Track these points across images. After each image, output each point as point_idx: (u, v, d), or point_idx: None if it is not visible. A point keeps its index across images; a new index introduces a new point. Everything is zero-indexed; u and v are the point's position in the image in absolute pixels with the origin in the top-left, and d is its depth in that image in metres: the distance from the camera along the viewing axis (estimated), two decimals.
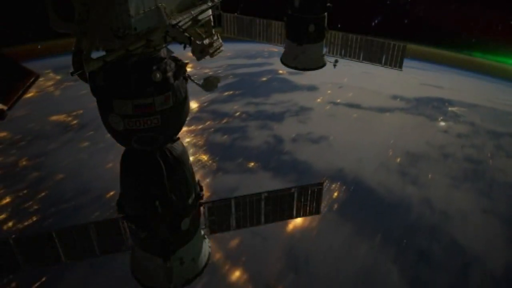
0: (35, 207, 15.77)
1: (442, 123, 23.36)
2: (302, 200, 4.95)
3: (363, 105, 25.06)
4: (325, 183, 5.10)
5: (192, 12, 3.16)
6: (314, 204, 5.03)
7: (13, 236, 4.25)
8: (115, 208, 3.80)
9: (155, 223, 3.60)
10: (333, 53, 7.64)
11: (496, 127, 22.61)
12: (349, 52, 7.53)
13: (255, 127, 22.35)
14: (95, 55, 2.78)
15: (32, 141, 20.41)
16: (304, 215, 5.07)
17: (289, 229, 14.19)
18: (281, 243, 13.60)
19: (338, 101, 25.54)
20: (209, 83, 3.68)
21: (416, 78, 28.67)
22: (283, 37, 7.75)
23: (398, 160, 19.43)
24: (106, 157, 17.28)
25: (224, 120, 23.09)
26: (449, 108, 25.19)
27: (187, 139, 20.92)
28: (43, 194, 16.50)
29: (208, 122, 22.75)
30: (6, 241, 4.19)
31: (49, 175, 17.50)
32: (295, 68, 7.66)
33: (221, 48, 3.41)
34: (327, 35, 7.37)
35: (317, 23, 7.02)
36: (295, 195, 4.90)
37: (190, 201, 3.79)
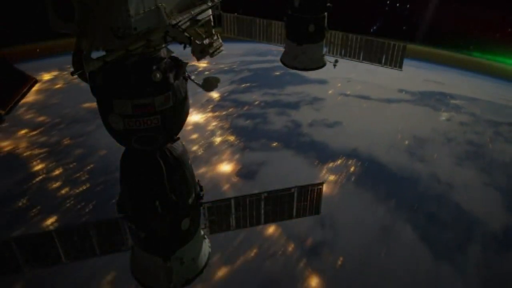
0: (85, 176, 17.74)
1: (445, 113, 25.52)
2: (302, 200, 4.95)
3: (371, 97, 27.08)
4: (324, 184, 5.11)
5: (192, 12, 3.16)
6: (314, 204, 5.03)
7: (14, 236, 4.25)
8: (115, 208, 3.80)
9: (155, 223, 3.60)
10: (333, 53, 7.64)
11: (495, 118, 24.63)
12: (349, 52, 7.53)
13: (274, 114, 24.45)
14: (95, 55, 2.78)
15: (70, 124, 22.39)
16: (304, 215, 5.06)
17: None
18: None
19: (348, 92, 27.55)
20: (208, 83, 3.68)
21: (419, 76, 30.55)
22: (283, 37, 7.75)
23: (406, 142, 21.64)
24: None
25: (245, 108, 25.20)
26: (451, 101, 27.19)
27: (214, 123, 23.18)
28: (90, 166, 18.48)
29: (231, 109, 24.86)
30: (7, 241, 4.20)
31: (92, 151, 19.19)
32: (295, 68, 7.66)
33: (221, 48, 3.41)
34: (327, 35, 7.37)
35: (317, 23, 7.02)
36: (295, 195, 4.90)
37: (190, 201, 3.79)
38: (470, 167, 19.53)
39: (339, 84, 28.66)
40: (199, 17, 3.31)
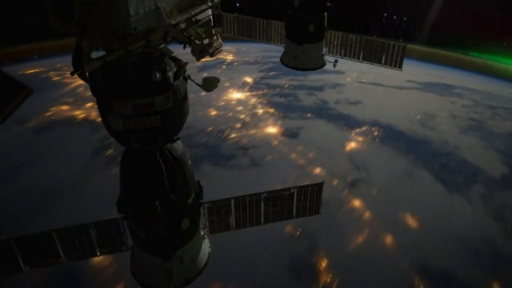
0: None
1: (449, 98, 29.79)
2: (302, 200, 4.95)
3: (383, 84, 31.01)
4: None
5: (192, 12, 3.16)
6: (314, 203, 5.03)
7: (14, 236, 4.25)
8: (115, 208, 3.80)
9: (155, 223, 3.60)
10: (333, 53, 7.63)
11: (493, 103, 28.97)
12: (349, 52, 7.53)
13: (303, 94, 28.70)
14: (95, 55, 2.78)
15: None
16: (304, 215, 5.07)
17: (347, 148, 21.38)
18: (344, 155, 20.73)
19: (364, 80, 31.59)
20: (208, 83, 3.69)
21: (422, 71, 34.16)
22: (283, 37, 7.75)
23: (418, 117, 25.95)
24: (197, 109, 23.41)
25: (277, 89, 29.38)
26: (454, 90, 31.24)
27: (253, 99, 27.48)
28: None
29: (265, 90, 29.15)
30: (7, 241, 4.20)
31: None
32: (295, 68, 7.65)
33: (220, 48, 3.41)
34: (327, 35, 7.37)
35: (317, 23, 7.01)
36: (295, 195, 4.90)
37: (190, 201, 3.79)
38: (473, 135, 23.87)
39: (355, 74, 32.67)
40: (199, 17, 3.31)
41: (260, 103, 26.95)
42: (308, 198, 4.97)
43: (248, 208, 4.74)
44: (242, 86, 29.13)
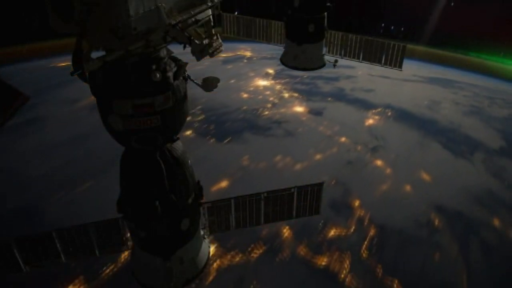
0: (198, 112, 24.26)
1: (452, 90, 32.98)
2: (302, 200, 4.95)
3: (391, 77, 33.67)
4: (327, 182, 5.11)
5: (192, 12, 3.16)
6: (314, 204, 5.03)
7: (14, 236, 4.25)
8: (115, 208, 3.79)
9: (155, 223, 3.60)
10: (333, 53, 7.63)
11: (491, 95, 32.41)
12: (349, 52, 7.53)
13: (321, 83, 31.76)
14: (95, 55, 2.78)
15: None
16: (304, 215, 5.06)
17: (366, 124, 24.96)
18: (364, 128, 24.32)
19: (373, 74, 34.20)
20: (208, 83, 3.69)
21: (424, 68, 36.81)
22: (283, 37, 7.74)
23: (425, 102, 29.44)
24: (229, 92, 27.01)
25: (298, 79, 32.06)
26: (455, 84, 34.40)
27: (278, 86, 30.58)
28: (199, 107, 24.63)
29: (287, 79, 31.90)
30: (7, 241, 4.20)
31: (196, 99, 23.81)
32: (295, 68, 7.65)
33: (220, 48, 3.41)
34: (327, 35, 7.37)
35: (317, 23, 7.01)
36: (295, 195, 4.90)
37: (190, 201, 3.79)
38: (474, 118, 27.42)
39: (364, 69, 35.20)
40: (199, 17, 3.31)
41: (285, 89, 30.26)
42: (308, 198, 4.97)
43: (248, 208, 4.74)
44: (266, 76, 32.37)
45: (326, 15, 7.08)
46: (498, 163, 21.61)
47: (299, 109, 26.71)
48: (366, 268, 13.95)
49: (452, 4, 32.54)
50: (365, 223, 16.15)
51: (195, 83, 3.61)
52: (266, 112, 25.61)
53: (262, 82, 30.95)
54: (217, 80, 3.69)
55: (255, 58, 36.47)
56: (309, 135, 22.92)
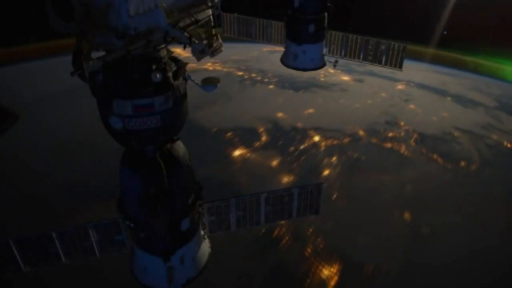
0: (270, 75, 31.49)
1: (459, 80, 36.39)
2: (302, 200, 4.95)
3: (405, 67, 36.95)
4: (324, 184, 5.12)
5: (192, 12, 3.16)
6: (314, 204, 5.02)
7: (14, 236, 4.25)
8: (115, 208, 3.80)
9: (155, 223, 3.59)
10: (333, 53, 7.63)
11: (491, 91, 34.80)
12: (349, 52, 7.53)
13: (354, 65, 34.58)
14: (95, 55, 2.78)
15: None
16: (304, 215, 5.06)
17: (397, 88, 31.33)
18: (396, 90, 31.05)
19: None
20: (208, 83, 3.68)
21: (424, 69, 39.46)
22: (283, 37, 7.74)
23: (436, 81, 33.82)
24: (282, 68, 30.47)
25: (333, 61, 35.94)
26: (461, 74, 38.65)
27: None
28: (270, 74, 31.39)
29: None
30: (7, 242, 4.19)
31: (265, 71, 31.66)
32: (295, 68, 7.64)
33: (221, 48, 3.41)
34: (327, 35, 7.36)
35: (317, 23, 7.01)
36: (295, 195, 4.89)
37: (190, 201, 3.79)
38: (475, 109, 30.49)
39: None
40: (199, 17, 3.31)
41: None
42: (308, 198, 4.97)
43: (248, 208, 4.73)
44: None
45: (326, 15, 7.08)
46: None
47: (344, 78, 33.71)
48: None
49: None
50: (410, 131, 24.98)
51: (195, 83, 3.61)
52: (322, 79, 32.42)
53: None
54: (217, 80, 3.69)
55: (276, 54, 41.60)
56: (357, 92, 30.41)
